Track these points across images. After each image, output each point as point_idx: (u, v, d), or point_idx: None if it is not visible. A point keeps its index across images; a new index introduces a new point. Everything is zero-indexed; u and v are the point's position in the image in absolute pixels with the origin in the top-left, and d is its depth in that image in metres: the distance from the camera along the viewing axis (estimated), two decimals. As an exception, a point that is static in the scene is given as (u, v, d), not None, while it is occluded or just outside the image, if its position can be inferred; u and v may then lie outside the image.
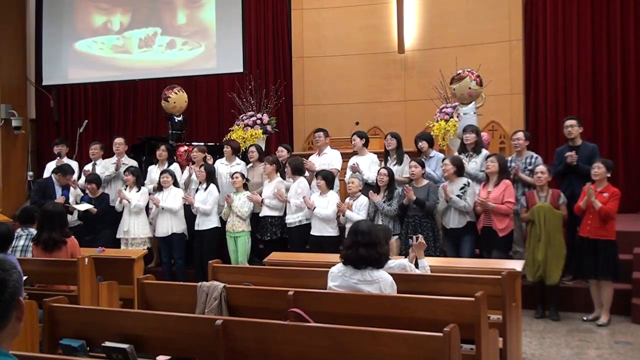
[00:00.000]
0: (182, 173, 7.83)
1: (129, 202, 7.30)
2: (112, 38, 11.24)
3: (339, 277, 3.70)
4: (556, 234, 6.01)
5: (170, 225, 7.28)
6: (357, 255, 3.62)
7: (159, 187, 7.39)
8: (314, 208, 6.65)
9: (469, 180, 6.39)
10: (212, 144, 9.04)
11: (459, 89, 7.35)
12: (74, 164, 8.48)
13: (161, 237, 7.39)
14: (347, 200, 6.73)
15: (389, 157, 7.18)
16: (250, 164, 7.76)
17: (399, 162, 7.04)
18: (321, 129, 7.66)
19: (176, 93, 8.63)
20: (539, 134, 8.74)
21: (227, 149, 7.83)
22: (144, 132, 10.67)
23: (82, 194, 7.79)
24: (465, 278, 4.06)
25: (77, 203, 7.54)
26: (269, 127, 8.86)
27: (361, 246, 3.61)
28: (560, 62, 8.84)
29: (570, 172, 6.45)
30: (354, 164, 7.05)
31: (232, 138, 8.63)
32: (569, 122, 6.65)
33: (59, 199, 7.25)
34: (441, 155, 7.12)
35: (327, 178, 6.78)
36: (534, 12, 9.04)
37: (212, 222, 7.27)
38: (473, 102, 7.38)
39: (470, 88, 7.30)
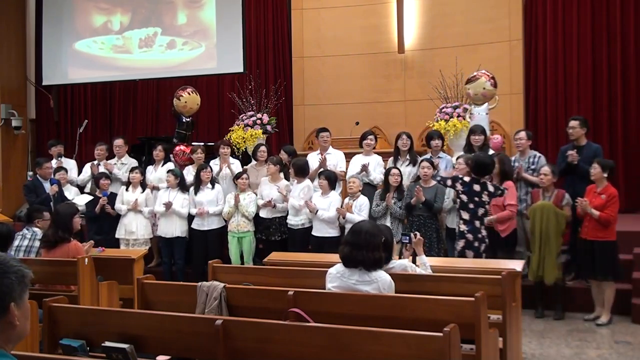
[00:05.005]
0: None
1: (142, 211, 7.38)
2: (112, 38, 11.22)
3: (337, 278, 3.69)
4: (553, 233, 5.95)
5: (176, 227, 7.29)
6: (351, 257, 3.61)
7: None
8: (317, 211, 6.63)
9: None
10: (212, 143, 9.03)
11: (473, 88, 7.37)
12: (73, 164, 8.48)
13: (164, 237, 7.38)
14: (347, 200, 6.70)
15: (399, 157, 7.10)
16: (255, 162, 7.74)
17: (413, 163, 6.93)
18: (326, 129, 7.62)
19: (189, 94, 8.60)
20: (539, 134, 8.71)
21: (224, 150, 7.77)
22: (144, 132, 10.68)
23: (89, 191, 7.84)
24: (465, 278, 4.05)
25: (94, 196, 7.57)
26: (269, 127, 8.84)
27: (356, 248, 3.59)
28: (560, 62, 8.83)
29: (570, 171, 6.44)
30: (365, 164, 6.98)
31: (232, 138, 8.62)
32: (571, 123, 6.64)
33: (51, 188, 7.12)
34: (450, 158, 7.08)
35: (330, 178, 6.75)
36: (534, 12, 9.03)
37: (219, 222, 7.29)
38: (486, 103, 7.40)
39: (484, 88, 7.33)
